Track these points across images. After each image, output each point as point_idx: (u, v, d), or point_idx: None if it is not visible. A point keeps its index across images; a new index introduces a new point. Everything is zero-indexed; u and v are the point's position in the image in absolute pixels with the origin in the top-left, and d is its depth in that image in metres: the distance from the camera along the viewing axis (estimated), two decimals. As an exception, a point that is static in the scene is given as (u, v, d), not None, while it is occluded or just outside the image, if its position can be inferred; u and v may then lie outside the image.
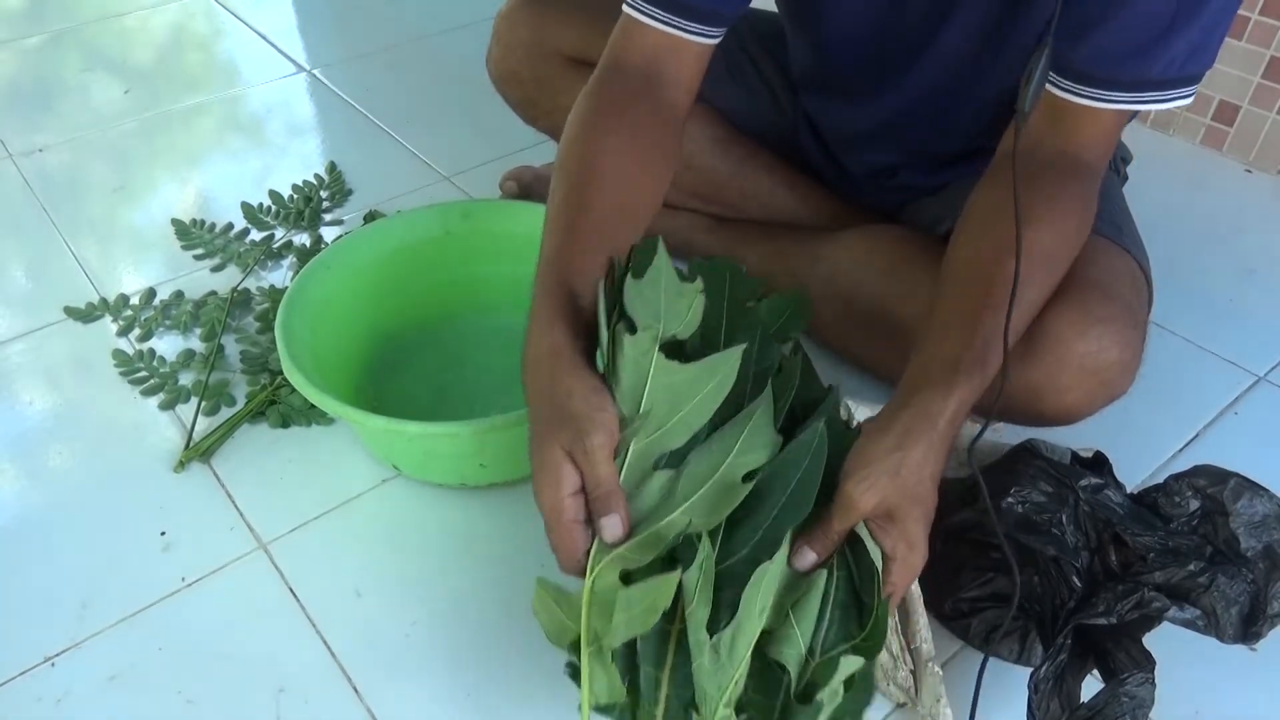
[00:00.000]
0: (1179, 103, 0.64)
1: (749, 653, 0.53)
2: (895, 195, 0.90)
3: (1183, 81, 0.63)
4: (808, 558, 0.56)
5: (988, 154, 0.77)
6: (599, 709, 0.54)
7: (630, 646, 0.54)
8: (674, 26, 0.68)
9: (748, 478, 0.55)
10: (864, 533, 0.55)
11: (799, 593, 0.55)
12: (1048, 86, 0.66)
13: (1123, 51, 0.62)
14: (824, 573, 0.55)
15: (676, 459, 0.56)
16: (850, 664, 0.53)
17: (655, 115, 0.69)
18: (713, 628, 0.53)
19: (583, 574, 0.54)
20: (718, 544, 0.55)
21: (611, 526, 0.53)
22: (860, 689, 0.54)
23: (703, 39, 0.70)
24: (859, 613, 0.56)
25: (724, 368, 0.57)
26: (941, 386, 0.57)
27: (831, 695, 0.53)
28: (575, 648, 0.54)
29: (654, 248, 0.59)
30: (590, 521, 0.55)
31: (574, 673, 0.54)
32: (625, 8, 0.70)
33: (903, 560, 0.56)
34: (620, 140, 0.67)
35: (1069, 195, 0.65)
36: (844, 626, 0.55)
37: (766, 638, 0.54)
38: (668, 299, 0.58)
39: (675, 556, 0.54)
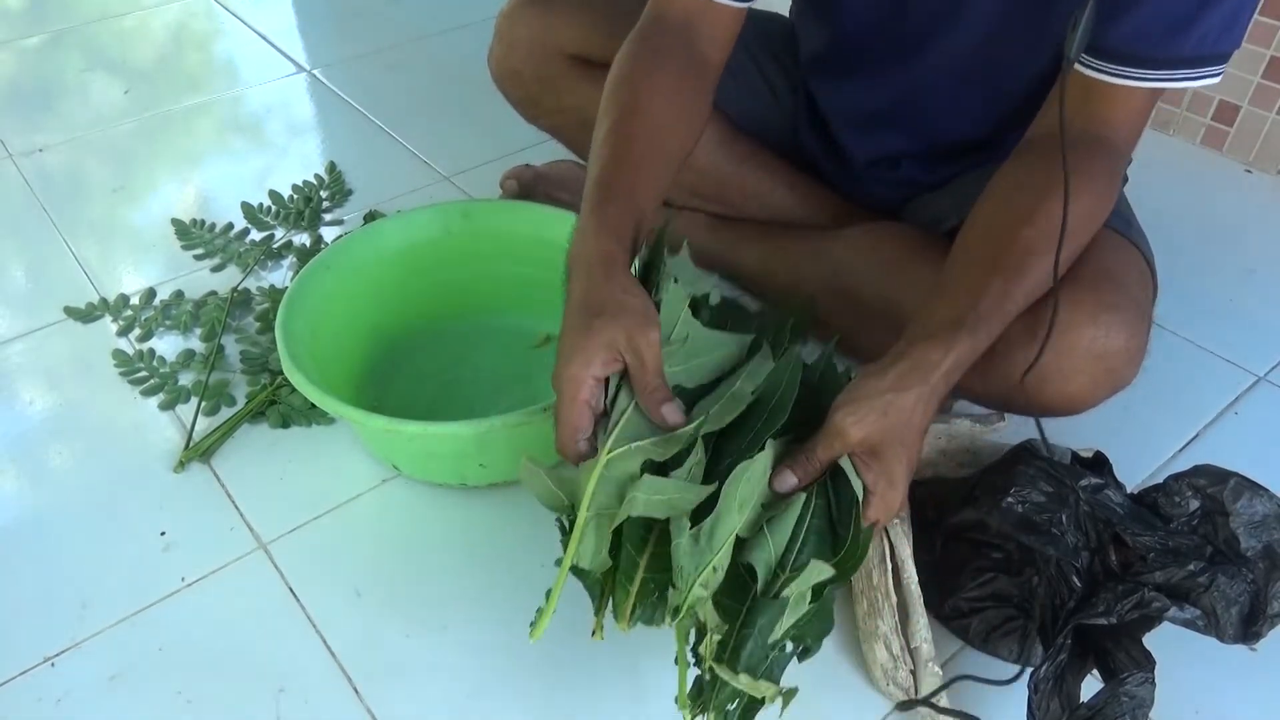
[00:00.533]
0: (1209, 80, 0.65)
1: (728, 544, 0.56)
2: (897, 190, 0.90)
3: (1215, 59, 0.64)
4: (789, 480, 0.58)
5: (993, 148, 0.77)
6: (576, 571, 0.58)
7: (616, 530, 0.57)
8: None
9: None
10: (848, 466, 0.57)
11: (776, 510, 0.57)
12: (1077, 67, 0.67)
13: (1159, 28, 0.63)
14: (802, 496, 0.57)
15: (684, 400, 0.60)
16: (820, 569, 0.55)
17: (691, 67, 0.73)
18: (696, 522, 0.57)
19: (575, 458, 0.59)
20: (710, 450, 0.59)
21: (672, 413, 0.58)
22: (825, 613, 0.57)
23: (735, 2, 0.73)
24: (834, 541, 0.58)
25: (739, 344, 0.64)
26: (940, 342, 0.59)
27: (799, 598, 0.55)
28: (567, 514, 0.59)
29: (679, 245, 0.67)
30: (604, 412, 0.59)
31: (564, 533, 0.58)
32: None
33: (881, 495, 0.58)
34: (663, 82, 0.71)
35: (1094, 172, 0.66)
36: (818, 550, 0.58)
37: (741, 547, 0.57)
38: (696, 276, 0.66)
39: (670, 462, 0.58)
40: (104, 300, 1.00)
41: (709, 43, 0.75)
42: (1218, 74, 0.64)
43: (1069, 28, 0.61)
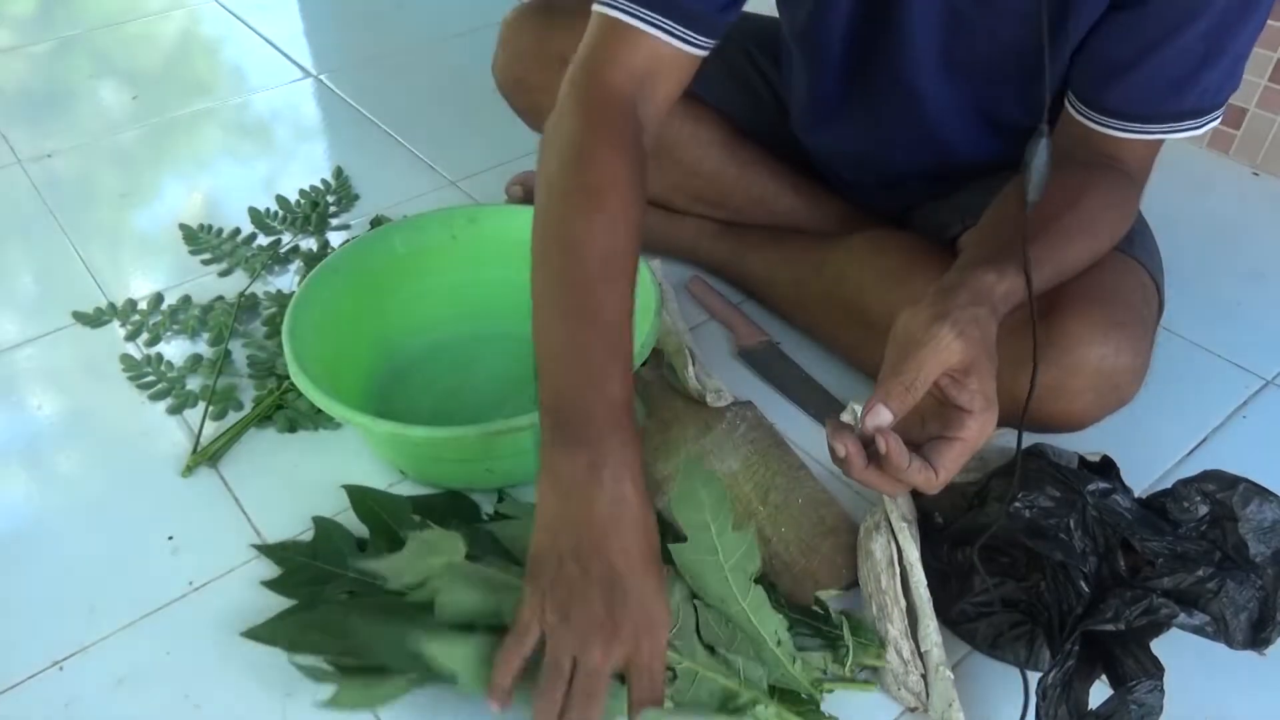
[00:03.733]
0: (1212, 125, 0.65)
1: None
2: (902, 199, 0.90)
3: (1216, 107, 0.64)
4: (884, 417, 0.52)
5: (1000, 167, 0.77)
6: None
7: None
8: (665, 30, 0.63)
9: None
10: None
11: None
12: (1075, 115, 0.67)
13: (1154, 92, 0.63)
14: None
15: None
16: None
17: (637, 150, 0.63)
18: None
19: (499, 693, 0.54)
20: None
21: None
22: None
23: (692, 48, 0.65)
24: None
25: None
26: (993, 269, 0.57)
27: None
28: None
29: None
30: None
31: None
32: (604, 10, 0.64)
33: (978, 416, 0.52)
34: (611, 210, 0.59)
35: (1113, 181, 0.66)
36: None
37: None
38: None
39: None
40: (111, 305, 1.01)
41: (654, 103, 0.65)
42: (1218, 117, 0.65)
43: (1023, 165, 0.58)
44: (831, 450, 0.54)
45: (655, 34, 0.63)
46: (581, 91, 0.64)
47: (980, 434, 0.54)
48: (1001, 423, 0.73)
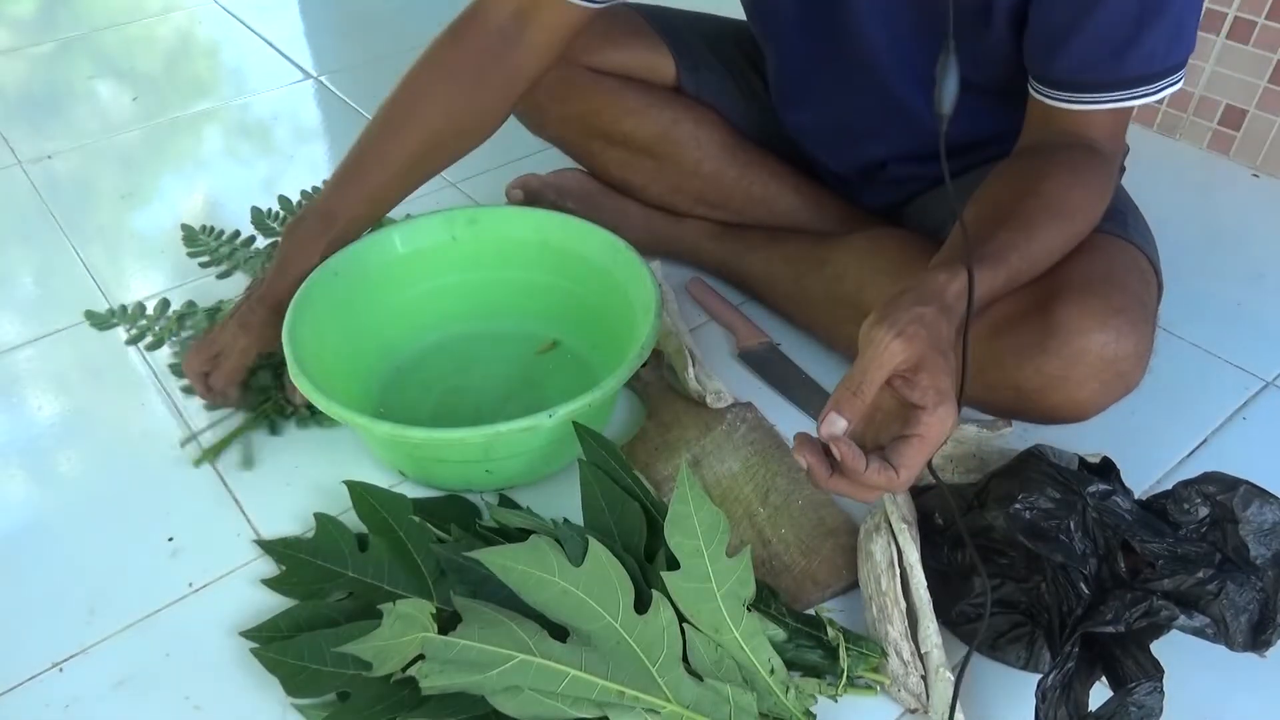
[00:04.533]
0: (1168, 91, 0.65)
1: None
2: (893, 190, 0.90)
3: (1166, 72, 0.64)
4: (838, 425, 0.53)
5: (979, 147, 0.77)
6: None
7: None
8: None
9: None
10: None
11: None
12: (1034, 94, 0.67)
13: (1096, 56, 0.63)
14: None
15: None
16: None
17: (493, 78, 0.77)
18: None
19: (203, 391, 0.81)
20: None
21: None
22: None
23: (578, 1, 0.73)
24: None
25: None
26: (945, 269, 0.58)
27: None
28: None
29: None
30: None
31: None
32: None
33: (933, 410, 0.53)
34: (448, 96, 0.77)
35: (1079, 165, 0.66)
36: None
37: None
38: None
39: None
40: (123, 308, 1.00)
41: (529, 49, 0.75)
42: (1176, 82, 0.64)
43: (936, 85, 0.58)
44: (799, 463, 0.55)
45: None
46: (457, 20, 0.79)
47: (938, 429, 0.54)
48: (1006, 414, 0.74)
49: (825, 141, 0.90)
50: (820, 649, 0.64)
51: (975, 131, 0.79)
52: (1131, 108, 0.66)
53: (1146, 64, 0.63)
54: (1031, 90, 0.69)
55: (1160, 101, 0.65)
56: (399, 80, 0.79)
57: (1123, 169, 0.89)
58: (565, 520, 0.70)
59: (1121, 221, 0.74)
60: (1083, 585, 0.63)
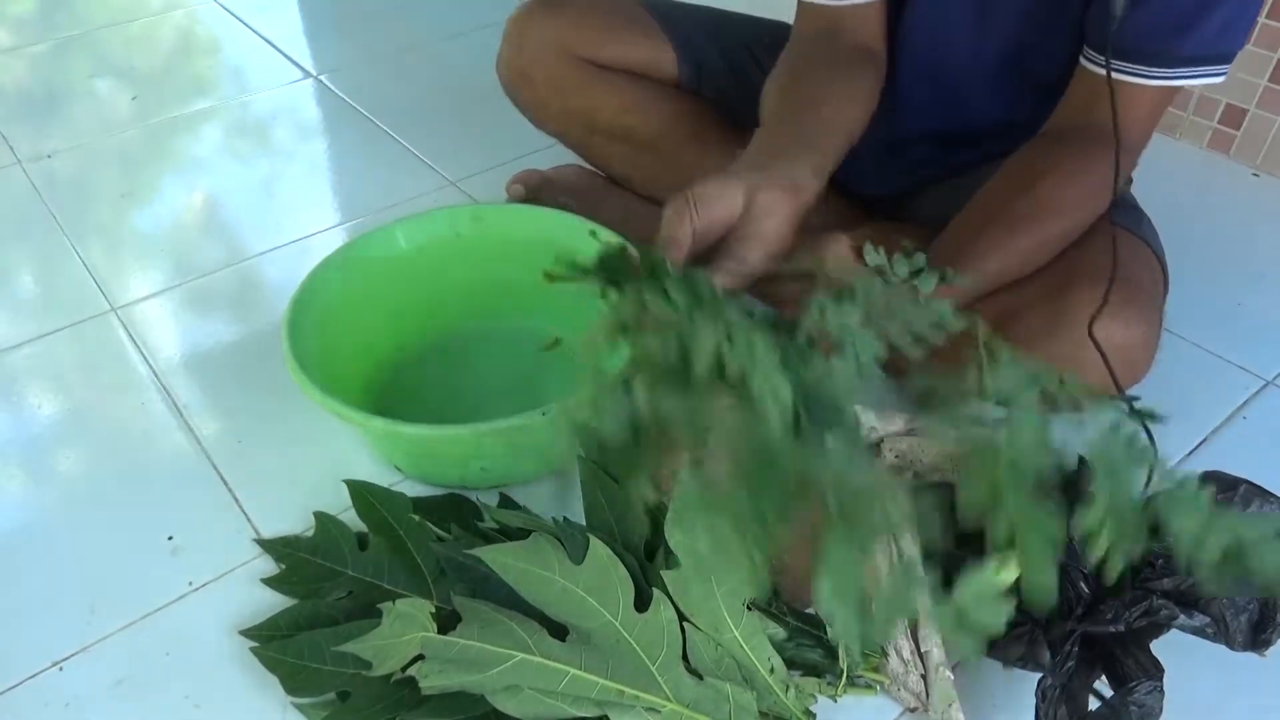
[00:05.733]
0: (1213, 79, 0.67)
1: None
2: (906, 176, 0.90)
3: (1216, 58, 0.66)
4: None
5: (1014, 133, 0.78)
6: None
7: None
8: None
9: None
10: None
11: None
12: (1085, 64, 0.68)
13: (1161, 26, 0.65)
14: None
15: None
16: None
17: (850, 60, 0.76)
18: None
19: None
20: None
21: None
22: None
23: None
24: None
25: None
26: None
27: None
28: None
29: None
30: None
31: None
32: None
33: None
34: (822, 74, 0.74)
35: (1092, 166, 0.68)
36: None
37: None
38: None
39: None
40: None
41: (862, 38, 0.77)
42: (1222, 73, 0.67)
43: None
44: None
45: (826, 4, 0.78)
46: (785, 51, 0.81)
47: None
48: None
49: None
50: (820, 648, 0.64)
51: (1010, 116, 0.80)
52: (1174, 91, 0.68)
53: (1200, 45, 0.65)
54: (1084, 62, 0.70)
55: (1202, 88, 0.68)
56: (769, 94, 0.77)
57: (1130, 180, 0.89)
58: (565, 518, 0.70)
59: (1135, 218, 0.75)
60: (1083, 584, 0.63)
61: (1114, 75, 0.66)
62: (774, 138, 0.68)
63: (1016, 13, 0.74)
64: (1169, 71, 0.66)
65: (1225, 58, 0.66)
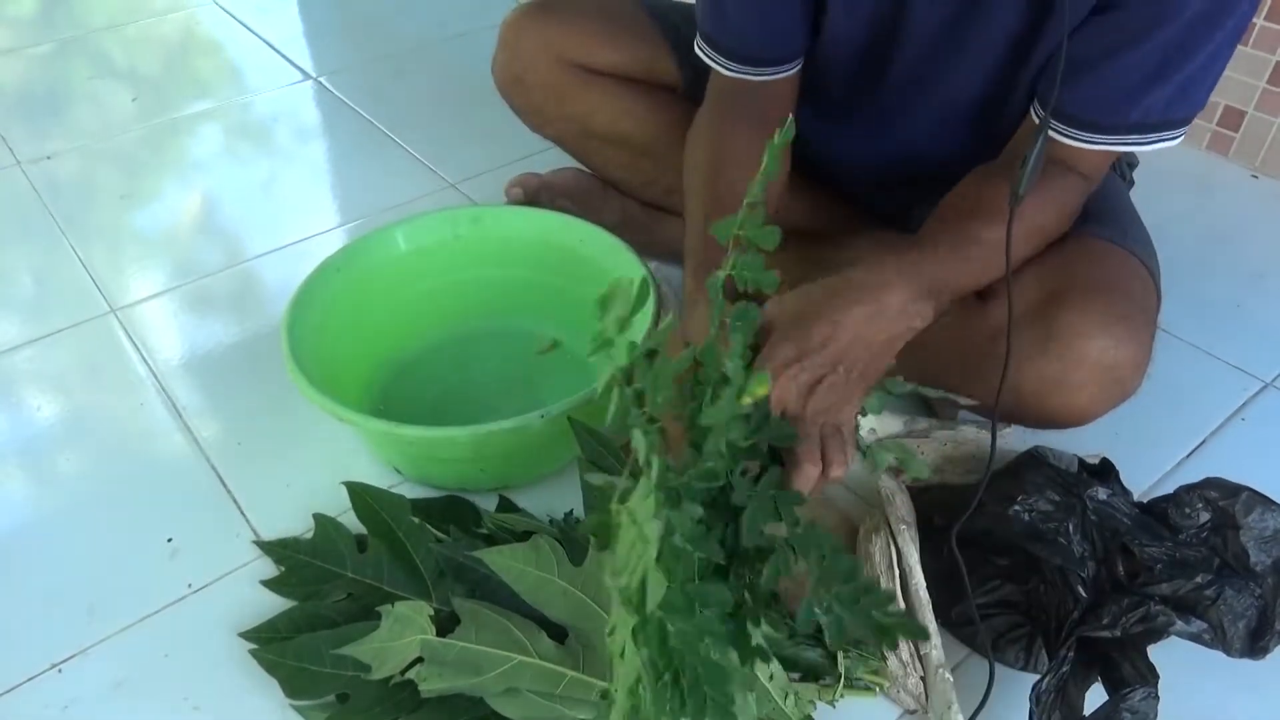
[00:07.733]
0: (1164, 144, 0.65)
1: None
2: (905, 192, 0.90)
3: (1165, 125, 0.64)
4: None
5: (993, 154, 0.78)
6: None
7: None
8: (744, 74, 0.76)
9: None
10: None
11: None
12: (1033, 119, 0.68)
13: (1108, 98, 0.64)
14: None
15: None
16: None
17: (764, 123, 0.75)
18: None
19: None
20: None
21: None
22: None
23: (780, 75, 0.76)
24: None
25: None
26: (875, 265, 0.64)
27: None
28: None
29: None
30: None
31: None
32: (697, 49, 0.77)
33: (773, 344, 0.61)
34: (739, 137, 0.76)
35: (1051, 195, 0.67)
36: None
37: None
38: None
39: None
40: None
41: (774, 103, 0.78)
42: (1176, 138, 0.65)
43: (1020, 166, 0.62)
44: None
45: (738, 76, 0.78)
46: (704, 105, 0.82)
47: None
48: (1005, 418, 0.74)
49: (849, 166, 0.91)
50: (819, 650, 0.64)
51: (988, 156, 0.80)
52: (1119, 152, 0.67)
53: (1146, 113, 0.64)
54: (1033, 112, 0.69)
55: (1152, 151, 0.66)
56: (687, 159, 0.80)
57: (1132, 182, 0.89)
58: (565, 519, 0.70)
59: (1121, 230, 0.74)
60: (1080, 588, 0.63)
61: (1058, 137, 0.66)
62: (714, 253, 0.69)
63: (978, 78, 0.74)
64: (1115, 139, 0.65)
65: (1173, 124, 0.64)
